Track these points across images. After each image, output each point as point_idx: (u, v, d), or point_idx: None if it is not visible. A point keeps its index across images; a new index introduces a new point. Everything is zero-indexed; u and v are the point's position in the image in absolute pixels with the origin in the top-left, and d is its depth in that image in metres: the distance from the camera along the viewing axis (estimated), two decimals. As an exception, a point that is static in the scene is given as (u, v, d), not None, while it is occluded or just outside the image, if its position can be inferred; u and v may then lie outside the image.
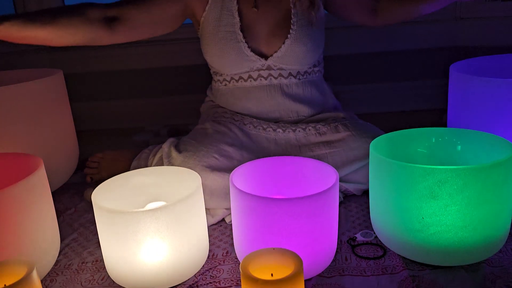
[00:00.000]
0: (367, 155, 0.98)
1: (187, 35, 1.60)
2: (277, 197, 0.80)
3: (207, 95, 1.28)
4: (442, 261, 0.71)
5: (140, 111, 1.91)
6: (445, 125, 1.21)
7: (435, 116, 1.64)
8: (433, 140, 0.86)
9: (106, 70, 1.90)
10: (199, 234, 0.75)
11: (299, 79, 1.13)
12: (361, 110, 1.83)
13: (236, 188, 0.70)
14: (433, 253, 0.69)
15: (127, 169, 1.24)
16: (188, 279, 0.76)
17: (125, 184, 0.82)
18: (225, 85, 1.15)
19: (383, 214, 0.75)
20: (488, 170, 0.65)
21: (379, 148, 0.81)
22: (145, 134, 1.67)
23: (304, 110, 1.14)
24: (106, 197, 0.77)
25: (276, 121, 1.14)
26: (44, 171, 0.78)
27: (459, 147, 0.83)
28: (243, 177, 0.79)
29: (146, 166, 1.13)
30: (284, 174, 0.83)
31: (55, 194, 1.17)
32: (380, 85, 1.85)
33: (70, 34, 0.99)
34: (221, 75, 1.15)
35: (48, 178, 1.05)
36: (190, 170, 0.81)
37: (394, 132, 0.86)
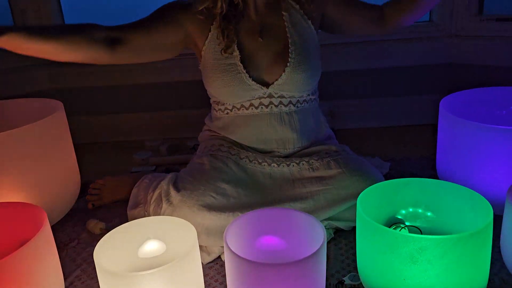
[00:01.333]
0: (356, 195, 1.02)
1: (185, 51, 1.63)
2: (269, 249, 0.85)
3: (206, 124, 1.32)
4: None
5: (139, 124, 1.94)
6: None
7: (429, 131, 1.68)
8: (418, 192, 0.90)
9: (105, 84, 1.93)
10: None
11: (297, 107, 1.17)
12: (357, 125, 1.88)
13: (230, 250, 0.74)
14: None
15: (128, 195, 1.29)
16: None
17: (125, 237, 0.86)
18: (227, 113, 1.19)
19: (369, 268, 0.80)
20: (466, 239, 0.69)
21: (367, 199, 0.85)
22: (145, 153, 1.71)
23: (299, 140, 1.18)
24: (108, 248, 0.82)
25: (272, 151, 1.18)
26: (49, 226, 0.82)
27: (442, 202, 0.87)
28: (237, 231, 0.83)
29: (146, 197, 1.17)
30: (277, 226, 0.87)
31: (58, 223, 1.23)
32: (375, 100, 1.87)
33: (72, 50, 1.03)
34: (223, 104, 1.18)
35: (52, 211, 1.10)
36: (188, 223, 0.85)
37: (381, 183, 0.90)
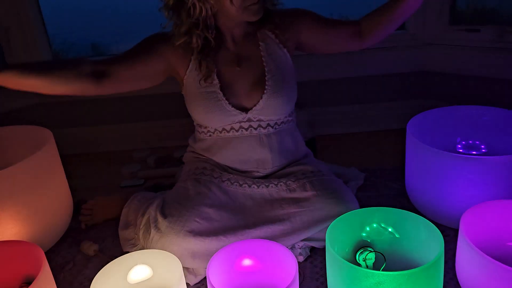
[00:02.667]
0: (330, 217, 1.13)
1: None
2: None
3: (189, 145, 1.39)
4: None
5: (126, 135, 2.00)
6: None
7: (403, 135, 1.77)
8: (382, 219, 0.99)
9: (93, 97, 1.97)
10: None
11: (275, 128, 1.25)
12: (335, 131, 1.97)
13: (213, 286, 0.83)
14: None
15: (119, 214, 1.37)
16: None
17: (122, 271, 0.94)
18: (210, 136, 1.26)
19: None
20: (418, 274, 0.79)
21: (336, 230, 0.94)
22: (133, 165, 1.79)
23: (278, 160, 1.27)
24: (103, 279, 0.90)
25: (252, 171, 1.27)
26: (48, 266, 0.90)
27: (403, 228, 0.97)
28: (219, 266, 0.92)
29: (136, 219, 1.25)
30: (256, 258, 0.96)
31: (53, 245, 1.30)
32: (352, 106, 1.96)
33: (61, 85, 1.08)
34: (205, 127, 1.26)
35: (47, 237, 1.18)
36: (174, 257, 0.93)
37: (347, 213, 0.99)
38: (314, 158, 1.39)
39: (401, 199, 1.39)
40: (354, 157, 1.75)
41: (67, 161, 1.36)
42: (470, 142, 1.42)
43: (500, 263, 0.81)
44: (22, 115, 1.96)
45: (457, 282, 0.99)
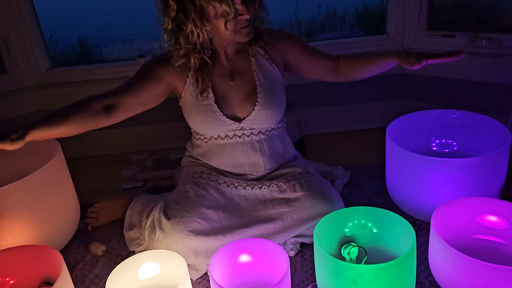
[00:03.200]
0: (317, 215, 1.25)
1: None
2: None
3: (187, 150, 1.50)
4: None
5: (124, 138, 2.10)
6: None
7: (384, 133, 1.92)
8: (363, 217, 1.12)
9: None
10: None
11: (266, 135, 1.36)
12: (322, 130, 2.09)
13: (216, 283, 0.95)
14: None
15: (122, 216, 1.49)
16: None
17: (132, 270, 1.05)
18: (206, 142, 1.37)
19: (324, 286, 1.02)
20: (392, 266, 0.91)
21: (323, 228, 1.07)
22: (132, 168, 1.89)
23: (269, 163, 1.38)
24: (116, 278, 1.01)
25: (246, 174, 1.38)
26: (66, 268, 1.00)
27: (381, 224, 1.10)
28: (220, 263, 1.04)
29: (140, 221, 1.36)
30: (252, 255, 1.08)
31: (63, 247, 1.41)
32: (338, 107, 2.08)
33: (78, 127, 1.20)
34: (202, 135, 1.37)
35: (59, 240, 1.28)
36: (179, 256, 1.04)
37: (332, 213, 1.11)
38: (303, 160, 1.50)
39: (382, 195, 1.51)
40: (340, 154, 1.88)
41: (68, 164, 1.44)
42: (443, 141, 1.55)
43: (463, 254, 0.94)
44: (23, 122, 2.04)
45: (430, 271, 1.12)
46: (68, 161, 1.44)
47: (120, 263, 1.05)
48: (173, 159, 1.95)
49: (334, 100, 2.07)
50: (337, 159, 1.81)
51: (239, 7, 1.15)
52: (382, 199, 1.49)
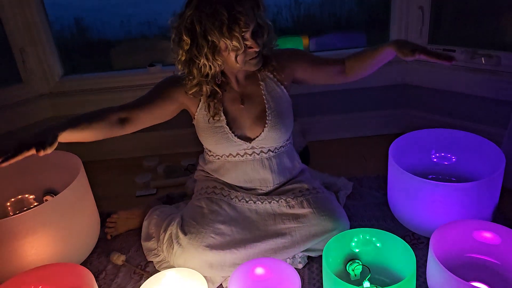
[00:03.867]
0: (323, 232, 1.35)
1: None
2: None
3: (199, 164, 1.59)
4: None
5: (136, 144, 2.18)
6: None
7: (387, 139, 2.01)
8: (365, 238, 1.22)
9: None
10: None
11: (275, 152, 1.45)
12: (325, 137, 2.17)
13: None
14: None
15: (139, 225, 1.59)
16: None
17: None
18: (218, 159, 1.46)
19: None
20: (395, 289, 1.02)
21: (330, 247, 1.17)
22: (145, 176, 1.98)
23: (278, 179, 1.47)
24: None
25: (256, 188, 1.47)
26: (95, 283, 1.10)
27: (383, 246, 1.20)
28: (237, 280, 1.14)
29: (157, 233, 1.46)
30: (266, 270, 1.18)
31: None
32: (341, 115, 2.16)
33: (96, 134, 1.31)
34: (214, 152, 1.45)
35: (82, 253, 1.39)
36: (200, 275, 1.14)
37: (339, 234, 1.21)
38: (309, 173, 1.59)
39: (383, 207, 1.61)
40: (343, 162, 1.97)
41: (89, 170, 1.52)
42: (443, 154, 1.65)
43: (457, 277, 1.04)
44: (39, 128, 2.11)
45: (427, 285, 1.22)
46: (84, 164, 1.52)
47: (147, 280, 1.15)
48: (184, 165, 2.03)
49: (337, 108, 2.15)
50: (340, 166, 1.90)
51: (249, 42, 1.22)
52: (383, 211, 1.59)
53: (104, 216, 1.63)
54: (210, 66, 1.26)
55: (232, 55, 1.25)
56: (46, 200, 1.60)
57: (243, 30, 1.19)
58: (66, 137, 1.21)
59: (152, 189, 1.89)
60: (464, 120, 1.94)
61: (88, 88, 2.11)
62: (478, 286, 1.18)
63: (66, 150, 1.55)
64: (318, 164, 1.88)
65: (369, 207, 1.63)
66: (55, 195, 1.60)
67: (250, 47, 1.24)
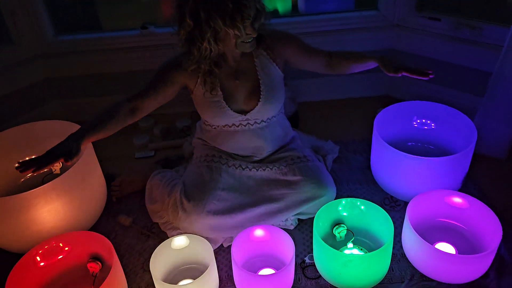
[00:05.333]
0: (313, 197, 1.51)
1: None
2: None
3: (197, 132, 1.69)
4: (350, 286, 1.29)
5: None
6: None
7: (371, 103, 2.17)
8: (349, 206, 1.38)
9: (100, 72, 2.18)
10: None
11: (267, 122, 1.56)
12: (316, 98, 2.28)
13: (236, 264, 1.21)
14: (345, 283, 1.27)
15: (142, 188, 1.72)
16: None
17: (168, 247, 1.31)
18: (215, 129, 1.57)
19: (323, 265, 1.30)
20: (374, 255, 1.19)
21: (321, 214, 1.33)
22: (142, 137, 2.07)
23: (270, 146, 1.60)
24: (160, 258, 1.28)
25: (250, 156, 1.60)
26: (116, 255, 1.25)
27: (366, 212, 1.37)
28: (240, 246, 1.30)
29: (162, 197, 1.59)
30: (266, 242, 1.34)
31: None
32: (330, 78, 2.25)
33: (112, 130, 1.42)
34: (211, 123, 1.56)
35: (93, 217, 1.52)
36: (208, 244, 1.29)
37: (327, 204, 1.36)
38: (300, 142, 1.72)
39: (366, 171, 1.77)
40: (330, 124, 2.11)
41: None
42: (424, 120, 1.78)
43: (425, 241, 1.22)
44: (33, 91, 2.15)
45: (402, 245, 1.41)
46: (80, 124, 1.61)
47: (160, 245, 1.30)
48: (179, 127, 2.13)
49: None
50: (328, 128, 2.05)
51: (248, 30, 1.30)
52: (366, 175, 1.75)
53: (107, 178, 1.74)
54: (210, 49, 1.33)
55: (232, 40, 1.32)
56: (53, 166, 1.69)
57: (246, 20, 1.25)
58: (87, 142, 1.35)
59: (150, 151, 2.00)
60: (445, 86, 2.06)
61: (81, 50, 2.13)
62: (445, 245, 1.37)
63: (66, 119, 1.63)
64: (306, 126, 2.01)
65: (353, 171, 1.78)
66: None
67: (248, 33, 1.31)
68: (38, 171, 1.24)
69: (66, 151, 1.26)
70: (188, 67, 1.40)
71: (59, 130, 1.56)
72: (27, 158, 1.30)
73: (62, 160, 1.26)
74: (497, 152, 1.78)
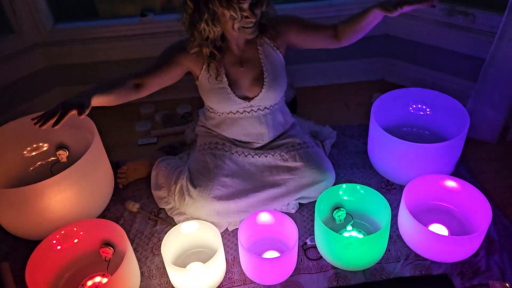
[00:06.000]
0: (313, 182, 1.58)
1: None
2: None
3: (200, 120, 1.74)
4: (350, 267, 1.38)
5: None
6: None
7: (368, 85, 2.24)
8: (349, 190, 1.45)
9: (100, 60, 2.20)
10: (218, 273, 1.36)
11: (270, 109, 1.62)
12: (317, 83, 2.33)
13: (242, 246, 1.29)
14: (345, 264, 1.36)
15: (147, 175, 1.78)
16: None
17: (178, 232, 1.38)
18: (219, 116, 1.63)
19: (325, 247, 1.38)
20: (372, 237, 1.27)
21: (322, 199, 1.40)
22: (144, 123, 2.12)
23: (272, 133, 1.66)
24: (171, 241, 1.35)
25: (252, 142, 1.66)
26: (127, 240, 1.31)
27: (364, 195, 1.44)
28: (245, 231, 1.37)
29: (166, 183, 1.65)
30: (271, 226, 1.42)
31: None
32: (327, 63, 2.30)
33: (117, 98, 1.46)
34: (215, 109, 1.61)
35: (102, 203, 1.59)
36: (215, 229, 1.36)
37: (327, 190, 1.43)
38: (299, 128, 1.78)
39: (363, 155, 1.83)
40: (327, 109, 2.16)
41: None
42: (419, 105, 1.85)
43: (419, 223, 1.30)
44: (35, 79, 2.17)
45: (397, 227, 1.49)
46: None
47: (170, 230, 1.37)
48: (180, 113, 2.17)
49: (323, 56, 2.28)
50: (325, 113, 2.10)
51: (246, 12, 1.33)
52: (363, 159, 1.82)
53: (113, 166, 1.79)
54: (209, 30, 1.37)
55: (230, 22, 1.36)
56: (60, 155, 1.74)
57: (241, 1, 1.29)
58: (95, 101, 1.36)
59: (153, 138, 2.05)
60: (439, 71, 2.12)
61: (81, 38, 2.14)
62: (438, 226, 1.46)
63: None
64: (304, 111, 2.07)
65: (351, 155, 1.85)
66: (67, 149, 1.75)
67: (247, 17, 1.34)
68: (59, 123, 1.25)
69: (79, 104, 1.29)
70: (190, 50, 1.44)
71: (66, 120, 1.60)
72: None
73: (75, 111, 1.27)
74: (488, 136, 1.86)
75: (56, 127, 1.25)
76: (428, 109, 1.82)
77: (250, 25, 1.38)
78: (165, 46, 1.54)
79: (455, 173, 1.68)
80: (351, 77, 2.33)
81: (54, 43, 2.13)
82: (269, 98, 1.56)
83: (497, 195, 1.61)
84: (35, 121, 1.26)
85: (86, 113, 1.29)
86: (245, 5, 1.32)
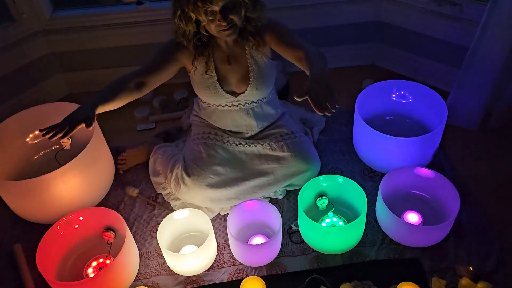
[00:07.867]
0: (299, 172, 1.69)
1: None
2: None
3: (194, 109, 1.84)
4: (329, 252, 1.51)
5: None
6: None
7: (358, 70, 2.32)
8: (331, 180, 1.57)
9: (100, 47, 2.27)
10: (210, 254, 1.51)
11: (258, 103, 1.72)
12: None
13: (232, 234, 1.42)
14: (324, 249, 1.49)
15: (146, 161, 1.91)
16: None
17: (172, 220, 1.52)
18: (210, 107, 1.73)
19: (307, 234, 1.51)
20: (350, 226, 1.40)
21: (306, 190, 1.52)
22: (143, 109, 2.22)
23: (261, 124, 1.76)
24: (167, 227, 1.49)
25: (242, 132, 1.77)
26: (128, 229, 1.45)
27: (345, 186, 1.56)
28: (234, 218, 1.50)
29: (165, 171, 1.77)
30: (258, 213, 1.54)
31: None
32: (323, 48, 2.35)
33: (120, 102, 1.55)
34: (206, 101, 1.71)
35: (104, 190, 1.73)
36: (206, 216, 1.50)
37: (310, 181, 1.55)
38: (289, 117, 1.87)
39: (349, 142, 1.93)
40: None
41: (81, 99, 1.72)
42: (402, 93, 1.93)
43: (391, 212, 1.42)
44: (36, 66, 2.25)
45: (375, 213, 1.62)
46: (80, 95, 1.71)
47: (167, 216, 1.50)
48: (177, 99, 2.27)
49: (314, 42, 2.33)
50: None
51: (217, 16, 1.38)
52: (349, 146, 1.92)
53: (113, 152, 1.91)
54: (182, 27, 1.45)
55: (204, 24, 1.43)
56: (64, 142, 1.86)
57: (205, 6, 1.35)
58: (99, 110, 1.47)
59: (151, 124, 2.15)
60: (427, 58, 2.18)
61: (80, 25, 2.21)
62: (412, 214, 1.58)
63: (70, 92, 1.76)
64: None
65: (337, 142, 1.96)
66: (70, 137, 1.86)
67: (219, 20, 1.40)
68: (66, 136, 1.37)
69: (85, 117, 1.39)
70: (177, 39, 1.52)
71: (70, 111, 1.70)
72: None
73: (83, 125, 1.37)
74: (469, 124, 1.94)
75: (62, 140, 1.40)
76: (410, 96, 1.90)
77: (225, 28, 1.42)
78: (161, 33, 1.61)
79: (434, 160, 1.78)
80: (342, 62, 2.39)
81: (54, 31, 2.20)
82: (254, 95, 1.65)
83: (473, 181, 1.71)
84: (44, 132, 1.38)
85: (93, 125, 1.40)
86: (216, 8, 1.37)
